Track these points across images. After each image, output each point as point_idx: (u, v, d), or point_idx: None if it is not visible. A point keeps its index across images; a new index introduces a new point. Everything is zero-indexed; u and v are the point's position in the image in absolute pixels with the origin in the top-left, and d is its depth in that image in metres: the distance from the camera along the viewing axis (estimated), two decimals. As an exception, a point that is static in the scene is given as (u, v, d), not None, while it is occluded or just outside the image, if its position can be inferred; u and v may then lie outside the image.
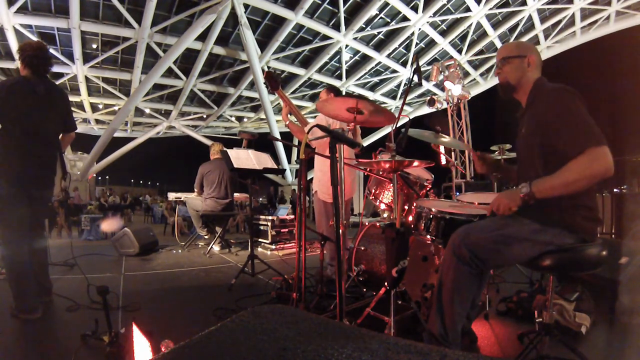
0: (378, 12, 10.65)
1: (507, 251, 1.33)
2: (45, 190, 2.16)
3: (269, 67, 11.82)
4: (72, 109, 12.09)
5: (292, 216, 4.98)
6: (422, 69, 2.10)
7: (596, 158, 1.19)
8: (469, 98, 7.84)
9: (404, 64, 13.36)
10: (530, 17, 12.15)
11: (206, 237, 4.70)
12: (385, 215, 2.55)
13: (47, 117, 2.13)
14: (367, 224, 2.26)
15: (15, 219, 1.98)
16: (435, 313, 1.40)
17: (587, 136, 1.21)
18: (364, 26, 11.02)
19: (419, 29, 11.36)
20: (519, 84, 1.51)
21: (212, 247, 4.36)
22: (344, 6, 10.05)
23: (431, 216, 1.87)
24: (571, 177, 1.22)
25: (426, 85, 13.65)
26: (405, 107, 8.71)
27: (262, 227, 4.81)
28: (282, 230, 4.74)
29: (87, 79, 11.42)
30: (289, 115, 2.90)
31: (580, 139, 1.22)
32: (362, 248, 2.14)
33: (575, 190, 1.24)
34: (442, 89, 10.46)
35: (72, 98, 12.57)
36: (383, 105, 16.15)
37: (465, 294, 1.37)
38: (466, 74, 14.11)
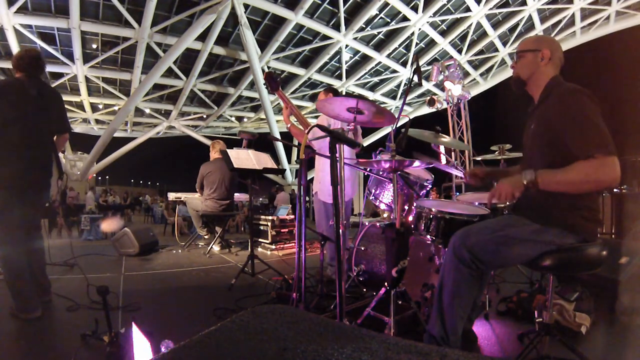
0: (378, 12, 10.63)
1: (508, 252, 1.32)
2: (41, 191, 2.15)
3: (269, 67, 11.81)
4: (72, 108, 11.97)
5: (292, 216, 4.98)
6: (422, 69, 2.10)
7: (605, 165, 1.16)
8: (469, 98, 7.83)
9: (404, 64, 13.34)
10: (530, 17, 12.13)
11: (206, 237, 4.70)
12: (385, 215, 2.55)
13: (41, 118, 2.12)
14: (367, 224, 2.26)
15: (11, 221, 1.98)
16: (436, 315, 1.39)
17: (599, 143, 1.19)
18: (364, 26, 11.00)
19: (419, 29, 11.34)
20: (530, 79, 1.47)
21: (212, 247, 4.36)
22: (344, 6, 10.03)
23: (431, 216, 1.88)
24: (577, 178, 1.20)
25: (426, 85, 13.63)
26: (405, 107, 8.70)
27: (262, 227, 4.81)
28: (282, 230, 4.73)
29: (87, 79, 11.40)
30: (290, 117, 2.89)
31: (592, 144, 1.19)
32: (362, 248, 2.14)
33: (578, 191, 1.23)
34: (442, 89, 10.46)
35: (72, 98, 12.58)
36: (383, 105, 16.14)
37: (466, 295, 1.36)
38: (466, 74, 14.09)
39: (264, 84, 2.73)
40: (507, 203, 2.10)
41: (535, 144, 1.42)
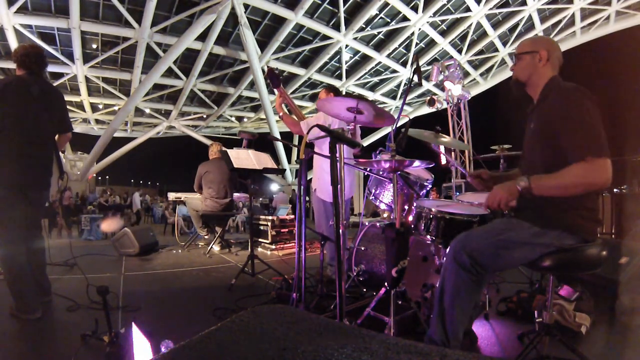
0: (378, 12, 10.64)
1: (508, 256, 1.32)
2: (42, 191, 2.14)
3: (269, 67, 11.79)
4: (72, 108, 11.94)
5: (292, 216, 4.98)
6: (422, 69, 2.10)
7: (595, 169, 1.18)
8: (469, 98, 7.83)
9: (404, 64, 13.35)
10: (530, 17, 12.14)
11: (206, 237, 4.70)
12: (385, 215, 2.55)
13: (43, 116, 2.11)
14: (367, 224, 2.26)
15: (12, 221, 1.97)
16: (437, 319, 1.39)
17: (590, 144, 1.20)
18: (364, 26, 11.01)
19: (419, 29, 11.35)
20: (529, 80, 1.47)
21: (212, 247, 4.36)
22: (344, 6, 10.04)
23: (431, 216, 1.87)
24: (569, 182, 1.22)
25: (426, 85, 13.63)
26: (405, 107, 8.70)
27: (262, 227, 4.81)
28: (282, 230, 4.73)
29: (87, 79, 11.41)
30: (282, 106, 2.84)
31: (583, 146, 1.20)
32: (362, 248, 2.14)
33: (571, 194, 1.25)
34: (442, 89, 10.46)
35: (72, 98, 12.58)
36: (383, 106, 16.12)
37: (466, 300, 1.36)
38: (466, 74, 14.09)
39: (265, 79, 2.72)
40: (505, 212, 2.10)
41: (535, 145, 1.42)
